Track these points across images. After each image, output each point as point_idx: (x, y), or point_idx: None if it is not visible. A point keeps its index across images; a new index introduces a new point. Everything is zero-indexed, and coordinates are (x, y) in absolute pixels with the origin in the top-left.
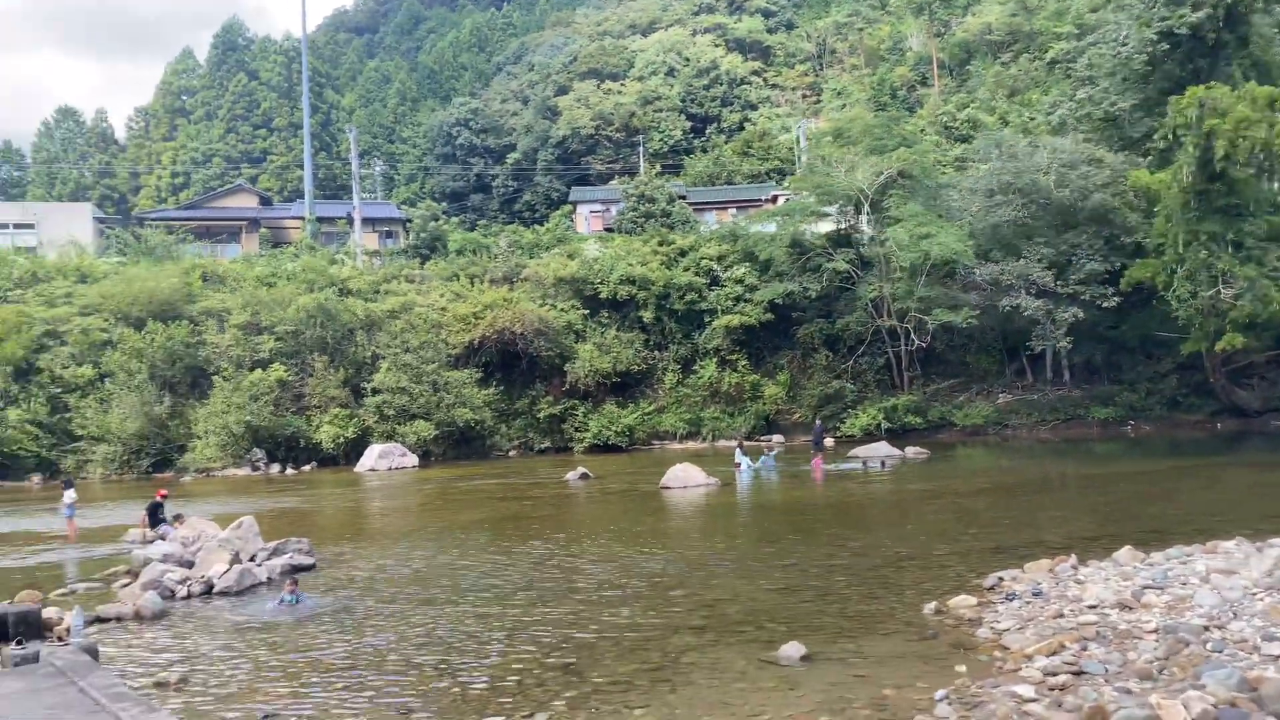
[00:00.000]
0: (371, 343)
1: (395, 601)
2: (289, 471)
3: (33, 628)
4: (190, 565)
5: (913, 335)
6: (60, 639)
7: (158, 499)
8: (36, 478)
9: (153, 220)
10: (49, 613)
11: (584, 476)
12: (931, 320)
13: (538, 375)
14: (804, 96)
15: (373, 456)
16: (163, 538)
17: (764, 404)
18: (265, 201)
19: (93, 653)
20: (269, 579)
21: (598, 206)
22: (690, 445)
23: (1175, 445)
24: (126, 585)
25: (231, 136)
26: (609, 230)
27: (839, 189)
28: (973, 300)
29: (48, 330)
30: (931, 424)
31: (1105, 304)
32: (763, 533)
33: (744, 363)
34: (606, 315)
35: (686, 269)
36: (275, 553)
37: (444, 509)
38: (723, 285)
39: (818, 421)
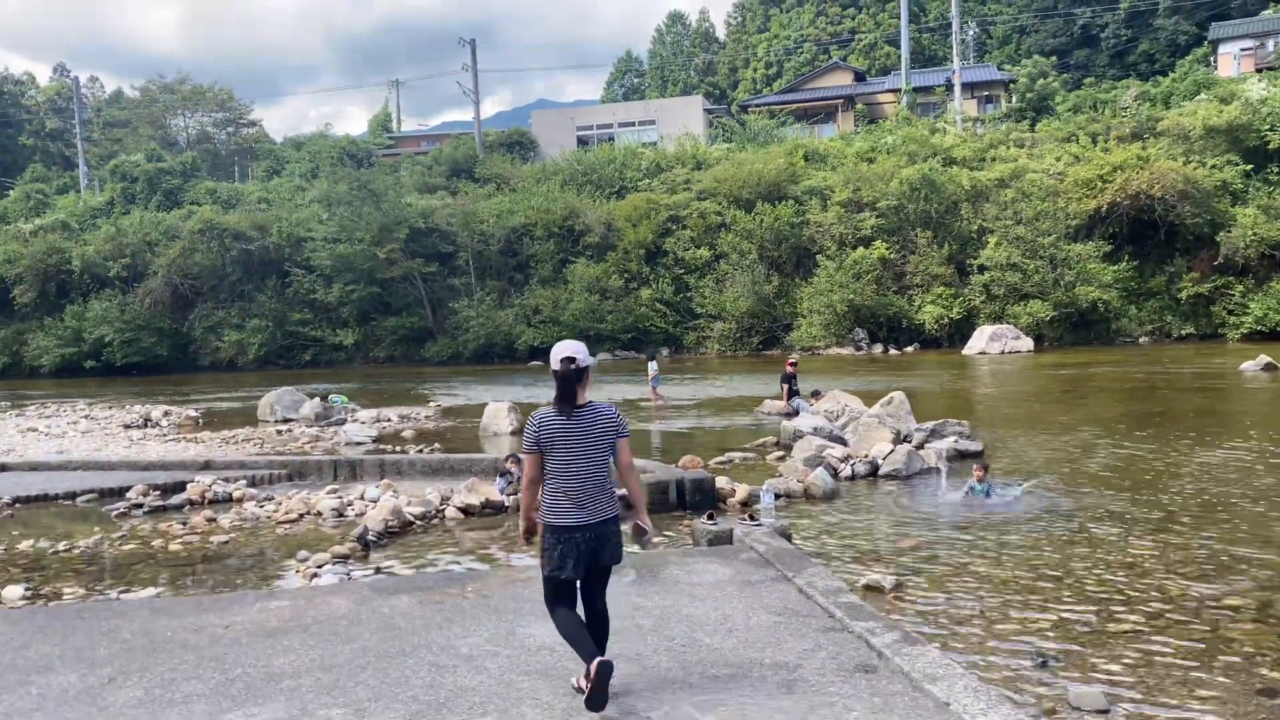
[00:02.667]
0: (978, 215)
1: (1106, 511)
2: (891, 352)
3: (708, 497)
4: (841, 442)
5: None
6: (751, 517)
7: (788, 370)
8: (666, 350)
9: (756, 105)
10: (721, 483)
11: (1269, 367)
12: None
13: (1178, 248)
14: None
15: (982, 339)
16: (796, 411)
17: None
18: (859, 77)
19: (787, 538)
20: (938, 464)
21: (1249, 43)
22: None
23: None
24: (781, 458)
25: (820, 20)
26: (1266, 69)
27: None
28: None
29: (670, 215)
30: None
31: None
32: None
33: None
34: (1277, 171)
35: None
36: (933, 434)
37: (1085, 398)
38: None
39: None
